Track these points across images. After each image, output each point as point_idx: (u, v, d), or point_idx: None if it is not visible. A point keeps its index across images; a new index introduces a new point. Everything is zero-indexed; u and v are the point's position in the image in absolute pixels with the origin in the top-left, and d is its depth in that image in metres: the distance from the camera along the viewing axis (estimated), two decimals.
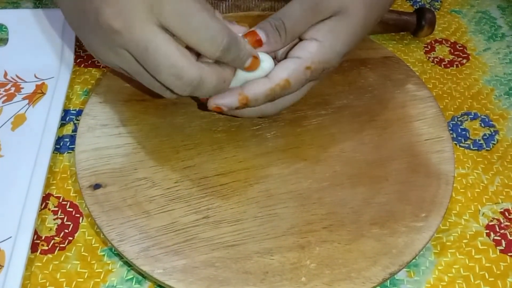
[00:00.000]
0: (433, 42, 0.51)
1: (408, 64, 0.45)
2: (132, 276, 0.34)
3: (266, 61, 0.34)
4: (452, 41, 0.51)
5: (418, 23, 0.49)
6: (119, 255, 0.34)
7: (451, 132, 0.43)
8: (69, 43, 0.45)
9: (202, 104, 0.39)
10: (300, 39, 0.35)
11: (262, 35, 0.34)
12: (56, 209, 0.37)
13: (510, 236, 0.37)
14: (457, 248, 0.36)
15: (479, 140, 0.42)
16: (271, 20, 0.34)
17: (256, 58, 0.33)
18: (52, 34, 0.45)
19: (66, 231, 0.36)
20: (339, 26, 0.35)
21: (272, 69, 0.34)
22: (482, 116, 0.44)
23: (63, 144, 0.41)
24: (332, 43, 0.35)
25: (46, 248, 0.35)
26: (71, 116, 0.43)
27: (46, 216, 0.36)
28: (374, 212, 0.34)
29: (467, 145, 0.42)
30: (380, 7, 0.37)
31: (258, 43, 0.34)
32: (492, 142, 0.42)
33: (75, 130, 0.41)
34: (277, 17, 0.34)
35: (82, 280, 0.33)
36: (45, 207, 0.37)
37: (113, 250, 0.35)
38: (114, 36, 0.30)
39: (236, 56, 0.32)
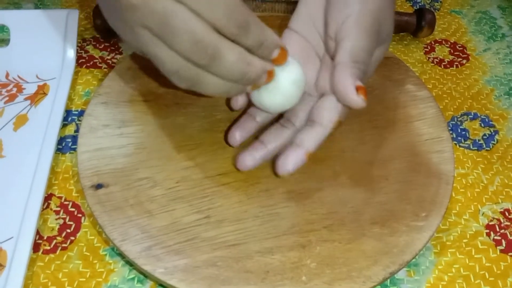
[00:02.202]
0: (433, 43, 0.51)
1: (408, 64, 0.45)
2: (134, 275, 0.34)
3: (293, 71, 0.34)
4: (452, 41, 0.51)
5: (418, 23, 0.49)
6: (121, 255, 0.34)
7: (451, 132, 0.43)
8: (71, 44, 0.45)
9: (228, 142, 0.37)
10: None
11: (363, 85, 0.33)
12: (58, 209, 0.37)
13: (510, 236, 0.37)
14: (457, 248, 0.36)
15: (479, 140, 0.43)
16: (359, 65, 0.33)
17: (284, 50, 0.32)
18: (53, 35, 0.45)
19: (68, 231, 0.36)
20: (379, 55, 0.36)
21: (301, 77, 0.34)
22: (482, 116, 0.45)
23: (65, 145, 0.41)
24: (370, 71, 0.35)
25: (48, 248, 0.35)
26: (73, 117, 0.43)
27: (48, 216, 0.36)
28: (374, 211, 0.34)
29: (467, 145, 0.42)
30: None
31: (366, 93, 0.33)
32: (492, 142, 0.43)
33: (77, 131, 0.41)
34: (360, 58, 0.33)
35: (84, 279, 0.33)
36: (47, 207, 0.37)
37: (115, 250, 0.35)
38: (133, 12, 0.30)
39: (258, 41, 0.31)
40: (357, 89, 0.32)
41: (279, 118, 0.37)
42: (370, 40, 0.34)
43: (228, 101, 0.39)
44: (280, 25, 0.39)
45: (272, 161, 0.37)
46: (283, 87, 0.34)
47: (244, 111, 0.38)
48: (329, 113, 0.34)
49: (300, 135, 0.35)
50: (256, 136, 0.36)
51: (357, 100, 0.32)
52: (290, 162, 0.34)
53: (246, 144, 0.36)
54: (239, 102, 0.36)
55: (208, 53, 0.30)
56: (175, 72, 0.31)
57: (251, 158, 0.35)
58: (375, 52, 0.35)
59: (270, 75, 0.33)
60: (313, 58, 0.37)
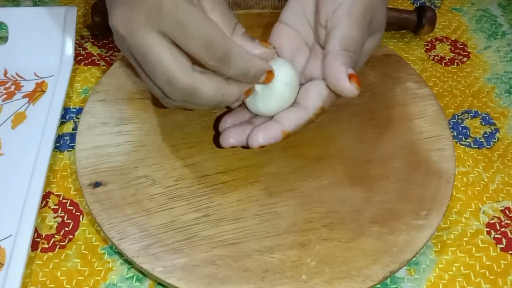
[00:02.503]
0: (433, 40, 0.51)
1: (408, 62, 0.45)
2: (133, 274, 0.34)
3: (286, 73, 0.34)
4: (452, 39, 0.51)
5: (419, 21, 0.49)
6: (120, 253, 0.34)
7: (451, 130, 0.43)
8: (69, 41, 0.45)
9: (216, 139, 0.37)
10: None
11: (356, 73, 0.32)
12: (57, 207, 0.37)
13: (511, 234, 0.37)
14: (457, 246, 0.36)
15: (479, 138, 0.42)
16: (350, 54, 0.33)
17: (270, 73, 0.33)
18: (52, 32, 0.45)
19: (67, 229, 0.36)
20: (371, 45, 0.35)
21: (294, 78, 0.34)
22: (483, 114, 0.44)
23: (63, 142, 0.41)
24: (360, 62, 0.35)
25: (47, 246, 0.35)
26: (71, 114, 0.43)
27: (47, 214, 0.36)
28: (374, 210, 0.34)
29: (467, 143, 0.42)
30: None
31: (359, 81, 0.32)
32: (493, 140, 0.42)
33: (75, 128, 0.41)
34: (351, 47, 0.33)
35: (82, 278, 0.33)
36: (45, 205, 0.37)
37: (113, 248, 0.35)
38: (120, 39, 0.31)
39: (241, 71, 0.31)
40: (350, 77, 0.32)
41: None
42: (362, 30, 0.33)
43: (216, 141, 0.37)
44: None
45: (273, 160, 0.37)
46: (277, 91, 0.34)
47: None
48: (314, 98, 0.34)
49: (281, 113, 0.34)
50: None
51: (350, 88, 0.32)
52: (262, 135, 0.33)
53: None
54: (230, 140, 0.35)
55: (184, 93, 0.31)
56: (160, 98, 0.33)
57: (235, 133, 0.34)
58: (366, 42, 0.34)
59: (247, 92, 0.33)
60: (303, 49, 0.37)
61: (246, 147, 0.34)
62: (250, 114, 0.36)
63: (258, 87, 0.34)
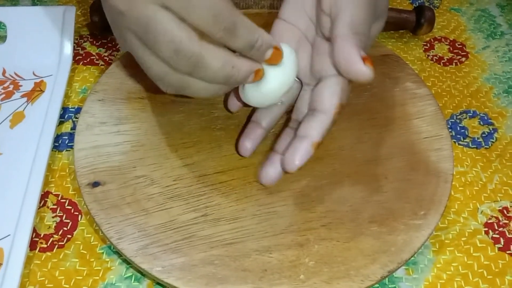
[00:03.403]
0: (432, 40, 0.51)
1: (407, 62, 0.45)
2: (131, 274, 0.34)
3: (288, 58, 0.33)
4: (451, 39, 0.51)
5: (417, 21, 0.49)
6: (118, 253, 0.34)
7: (450, 130, 0.43)
8: (67, 41, 0.45)
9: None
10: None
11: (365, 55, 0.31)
12: (55, 207, 0.37)
13: (509, 234, 0.37)
14: (455, 246, 0.36)
15: (478, 138, 0.42)
16: (360, 37, 0.32)
17: (277, 49, 0.31)
18: (50, 32, 0.45)
19: (65, 229, 0.35)
20: (375, 31, 0.35)
21: (293, 61, 0.33)
22: (481, 114, 0.44)
23: (62, 142, 0.41)
24: (366, 50, 0.34)
25: (45, 246, 0.35)
26: (69, 114, 0.43)
27: (45, 214, 0.36)
28: (373, 210, 0.34)
29: (466, 143, 0.42)
30: None
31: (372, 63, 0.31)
32: (491, 140, 0.42)
33: (73, 128, 0.41)
34: (360, 30, 0.32)
35: (81, 278, 0.33)
36: (44, 205, 0.37)
37: (112, 248, 0.35)
38: (119, 17, 0.30)
39: (248, 43, 0.30)
40: (364, 59, 0.31)
41: (287, 120, 0.37)
42: (368, 13, 0.32)
43: (226, 102, 0.39)
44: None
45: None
46: (270, 83, 0.33)
47: (248, 119, 0.38)
48: (329, 98, 0.33)
49: (303, 126, 0.33)
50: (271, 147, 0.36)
51: (365, 71, 0.30)
52: (296, 156, 0.32)
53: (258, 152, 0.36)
54: (236, 104, 0.36)
55: (191, 62, 0.30)
56: (161, 78, 0.31)
57: (273, 171, 0.34)
58: (372, 28, 0.34)
59: (258, 74, 0.32)
60: (304, 45, 0.36)
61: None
62: (260, 128, 0.36)
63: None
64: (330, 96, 0.33)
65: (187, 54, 0.29)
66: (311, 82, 0.35)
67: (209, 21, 0.29)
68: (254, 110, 0.37)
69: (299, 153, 0.32)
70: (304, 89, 0.36)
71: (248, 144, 0.36)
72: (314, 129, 0.33)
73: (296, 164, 0.32)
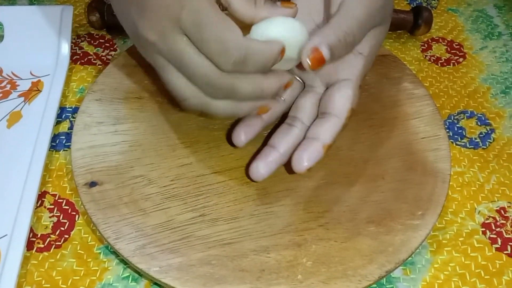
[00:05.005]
0: (429, 41, 0.51)
1: (404, 62, 0.45)
2: (128, 274, 0.34)
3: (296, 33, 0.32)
4: (448, 39, 0.51)
5: (415, 21, 0.49)
6: (115, 253, 0.34)
7: (447, 130, 0.43)
8: (65, 40, 0.45)
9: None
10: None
11: (326, 54, 0.31)
12: (52, 207, 0.37)
13: (506, 234, 0.37)
14: (453, 246, 0.36)
15: (475, 139, 0.43)
16: (340, 33, 0.32)
17: (283, 51, 0.32)
18: (48, 31, 0.45)
19: (62, 229, 0.35)
20: (380, 36, 0.35)
21: (304, 35, 0.32)
22: (479, 115, 0.44)
23: (59, 142, 0.40)
24: (374, 55, 0.35)
25: (42, 246, 0.34)
26: (67, 114, 0.42)
27: (42, 214, 0.36)
28: (370, 210, 0.34)
29: (463, 144, 0.42)
30: None
31: (320, 62, 0.31)
32: (489, 140, 0.42)
33: (71, 128, 0.41)
34: (347, 26, 0.32)
35: (78, 278, 0.33)
36: (41, 204, 0.37)
37: (109, 248, 0.35)
38: (151, 46, 0.31)
39: (261, 66, 0.31)
40: (312, 51, 0.31)
41: (283, 117, 0.37)
42: (369, 14, 0.33)
43: (229, 138, 0.37)
44: None
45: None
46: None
47: None
48: (342, 102, 0.33)
49: (314, 128, 0.34)
50: (265, 142, 0.36)
51: (304, 62, 0.31)
52: (306, 157, 0.32)
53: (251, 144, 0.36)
54: (242, 138, 0.35)
55: (224, 92, 0.31)
56: (186, 99, 0.32)
57: (264, 165, 0.34)
58: (375, 31, 0.34)
59: (288, 84, 0.33)
60: None
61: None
62: (259, 120, 0.36)
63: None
64: (343, 100, 0.34)
65: (220, 86, 0.31)
66: (314, 84, 0.36)
67: (220, 55, 0.30)
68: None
69: (309, 154, 0.33)
70: (307, 90, 0.36)
71: (243, 134, 0.35)
72: (326, 132, 0.33)
73: (305, 165, 0.33)
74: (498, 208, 0.38)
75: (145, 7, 0.30)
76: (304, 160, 0.32)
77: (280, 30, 0.32)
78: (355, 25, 0.32)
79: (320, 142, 0.33)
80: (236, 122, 0.37)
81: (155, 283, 0.33)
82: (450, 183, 0.36)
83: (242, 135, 0.35)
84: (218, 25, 0.29)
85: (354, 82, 0.34)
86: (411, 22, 0.50)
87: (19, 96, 0.42)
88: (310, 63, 0.31)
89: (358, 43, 0.34)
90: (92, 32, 0.49)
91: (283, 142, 0.34)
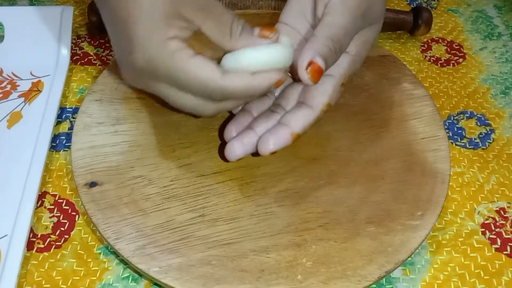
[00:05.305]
0: (429, 41, 0.51)
1: (404, 63, 0.45)
2: (128, 274, 0.34)
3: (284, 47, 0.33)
4: (448, 40, 0.51)
5: (415, 22, 0.49)
6: (115, 253, 0.34)
7: (447, 130, 0.43)
8: (65, 41, 0.45)
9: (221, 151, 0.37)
10: None
11: (322, 64, 0.32)
12: (52, 207, 0.37)
13: (506, 235, 0.37)
14: (452, 247, 0.36)
15: (475, 139, 0.43)
16: (330, 42, 0.32)
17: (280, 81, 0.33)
18: (48, 32, 0.45)
19: (62, 229, 0.35)
20: (370, 36, 0.35)
21: (289, 46, 0.33)
22: (478, 115, 0.44)
23: (59, 142, 0.40)
24: (362, 54, 0.35)
25: (42, 246, 0.35)
26: (67, 114, 0.42)
27: (42, 214, 0.36)
28: (370, 210, 0.34)
29: (463, 144, 0.42)
30: None
31: (319, 73, 0.32)
32: (488, 141, 0.43)
33: (71, 128, 0.41)
34: (335, 36, 0.33)
35: (78, 278, 0.33)
36: (41, 205, 0.37)
37: (109, 248, 0.35)
38: (143, 73, 0.32)
39: (245, 96, 0.33)
40: (309, 64, 0.32)
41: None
42: (353, 20, 0.33)
43: (222, 153, 0.36)
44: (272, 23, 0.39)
45: (269, 160, 0.37)
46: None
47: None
48: (319, 95, 0.34)
49: (288, 115, 0.34)
50: None
51: (303, 76, 0.32)
52: (272, 141, 0.33)
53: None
54: (236, 152, 0.34)
55: (218, 94, 0.32)
56: (195, 109, 0.33)
57: (239, 146, 0.34)
58: (363, 32, 0.34)
59: (279, 83, 0.33)
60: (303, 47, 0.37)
61: (255, 153, 0.34)
62: (251, 117, 0.36)
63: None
64: (321, 93, 0.34)
65: (215, 90, 0.31)
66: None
67: (202, 97, 0.32)
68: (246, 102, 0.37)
69: (276, 138, 0.33)
70: (298, 83, 0.36)
71: (235, 130, 0.35)
72: (297, 121, 0.34)
73: (270, 148, 0.33)
74: (497, 209, 0.38)
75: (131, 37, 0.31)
76: (270, 144, 0.33)
77: (250, 60, 0.32)
78: (341, 33, 0.33)
79: (290, 129, 0.33)
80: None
81: (155, 283, 0.33)
82: (450, 183, 0.36)
83: (233, 131, 0.35)
84: (189, 71, 0.30)
85: (336, 79, 0.35)
86: (411, 23, 0.50)
87: (20, 96, 0.43)
88: (310, 76, 0.32)
89: (345, 49, 0.34)
90: (93, 32, 0.49)
91: (261, 126, 0.35)
